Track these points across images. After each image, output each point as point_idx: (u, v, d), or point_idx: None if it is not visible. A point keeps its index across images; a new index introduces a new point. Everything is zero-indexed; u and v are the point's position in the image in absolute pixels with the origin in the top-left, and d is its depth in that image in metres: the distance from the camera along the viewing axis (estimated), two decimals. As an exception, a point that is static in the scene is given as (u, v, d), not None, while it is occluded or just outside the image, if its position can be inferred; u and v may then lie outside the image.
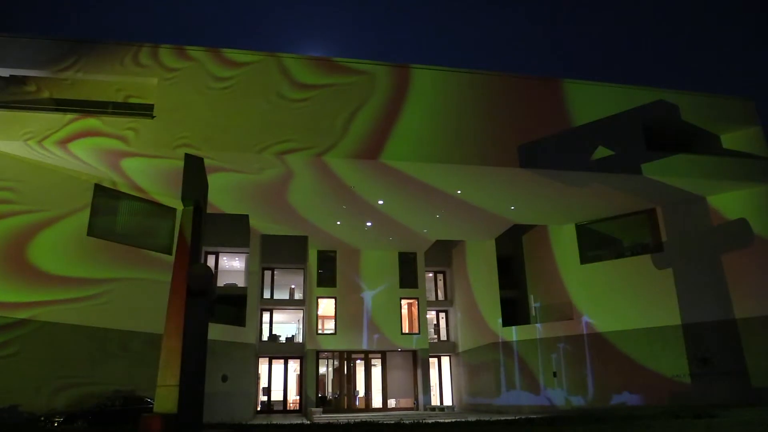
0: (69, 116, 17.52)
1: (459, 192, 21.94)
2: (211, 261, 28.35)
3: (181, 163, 18.16)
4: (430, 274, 33.58)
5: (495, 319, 27.44)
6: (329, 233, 27.61)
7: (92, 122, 17.49)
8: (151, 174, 19.87)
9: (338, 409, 28.32)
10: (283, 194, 22.03)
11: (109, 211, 20.70)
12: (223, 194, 21.42)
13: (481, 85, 20.90)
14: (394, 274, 31.04)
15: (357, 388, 29.78)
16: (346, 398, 29.35)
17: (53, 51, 18.46)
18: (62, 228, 18.71)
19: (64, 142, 17.26)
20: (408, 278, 31.24)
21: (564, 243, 26.63)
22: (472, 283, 30.63)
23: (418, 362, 30.14)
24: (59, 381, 17.47)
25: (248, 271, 27.91)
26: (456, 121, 19.91)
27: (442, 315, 33.38)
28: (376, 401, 29.59)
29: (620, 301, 23.94)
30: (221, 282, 27.87)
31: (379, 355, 30.30)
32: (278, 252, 30.16)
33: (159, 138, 17.77)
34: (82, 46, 18.59)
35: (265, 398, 28.84)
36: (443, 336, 32.93)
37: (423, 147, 19.30)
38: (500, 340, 27.00)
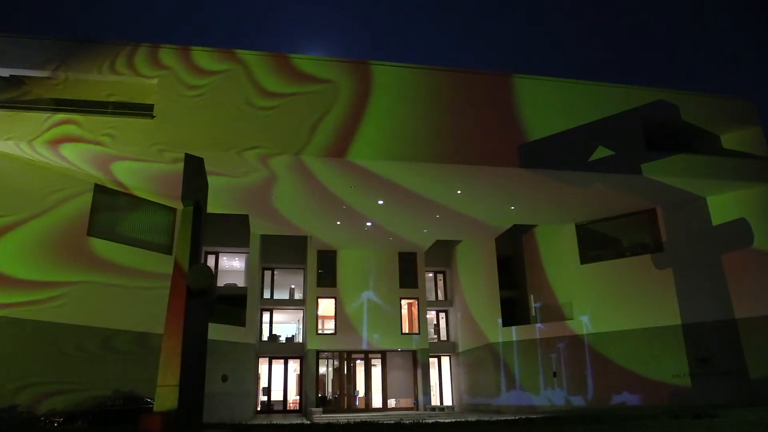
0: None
1: (459, 192, 21.95)
2: (211, 261, 28.36)
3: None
4: (430, 274, 33.57)
5: (495, 319, 27.44)
6: (329, 233, 27.61)
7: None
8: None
9: (338, 409, 28.31)
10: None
11: (108, 210, 20.68)
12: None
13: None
14: (394, 274, 31.04)
15: (357, 388, 29.78)
16: (346, 398, 29.34)
17: (53, 51, 18.44)
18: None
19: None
20: (408, 278, 31.23)
21: (564, 243, 26.63)
22: (472, 283, 30.63)
23: (417, 362, 30.14)
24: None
25: (248, 270, 27.94)
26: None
27: (442, 315, 33.38)
28: (376, 401, 29.59)
29: (620, 301, 23.95)
30: (221, 282, 27.89)
31: (379, 355, 30.30)
32: (278, 252, 30.18)
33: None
34: (81, 46, 18.57)
35: (265, 398, 28.84)
36: (443, 336, 32.93)
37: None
38: (500, 340, 26.99)
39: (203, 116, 18.27)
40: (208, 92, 18.53)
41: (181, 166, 18.28)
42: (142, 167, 19.11)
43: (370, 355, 30.24)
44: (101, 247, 19.92)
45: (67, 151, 17.69)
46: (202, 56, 18.92)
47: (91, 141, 17.30)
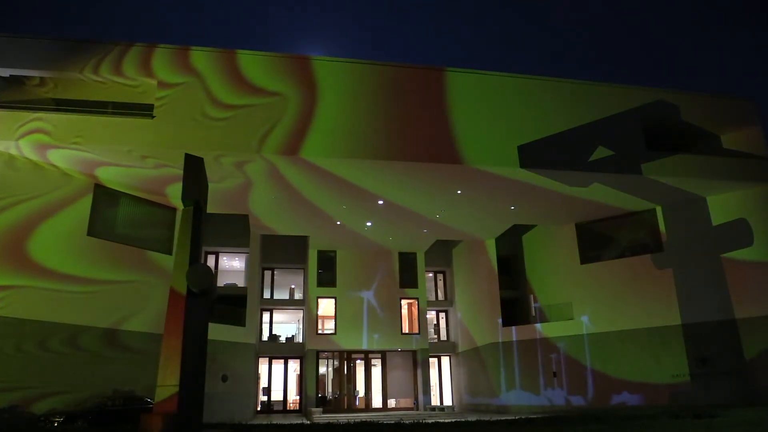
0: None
1: (459, 192, 21.95)
2: (211, 261, 28.36)
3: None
4: (430, 274, 33.56)
5: (495, 319, 27.44)
6: (329, 233, 27.61)
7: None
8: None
9: (338, 409, 28.30)
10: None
11: (107, 210, 20.67)
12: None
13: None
14: (394, 274, 31.04)
15: (357, 388, 29.77)
16: (346, 398, 29.34)
17: (53, 51, 18.42)
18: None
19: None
20: (408, 278, 31.23)
21: (564, 243, 26.63)
22: (472, 283, 30.63)
23: (418, 362, 30.14)
24: None
25: (248, 270, 27.92)
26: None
27: (442, 315, 33.37)
28: (376, 401, 29.58)
29: (620, 301, 23.95)
30: (221, 282, 27.89)
31: (379, 355, 30.29)
32: (278, 252, 30.17)
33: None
34: (81, 47, 18.54)
35: (265, 398, 28.84)
36: (443, 336, 32.92)
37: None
38: (500, 340, 26.99)
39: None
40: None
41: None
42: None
43: (370, 355, 30.24)
44: (100, 246, 19.90)
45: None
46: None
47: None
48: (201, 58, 18.90)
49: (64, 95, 19.10)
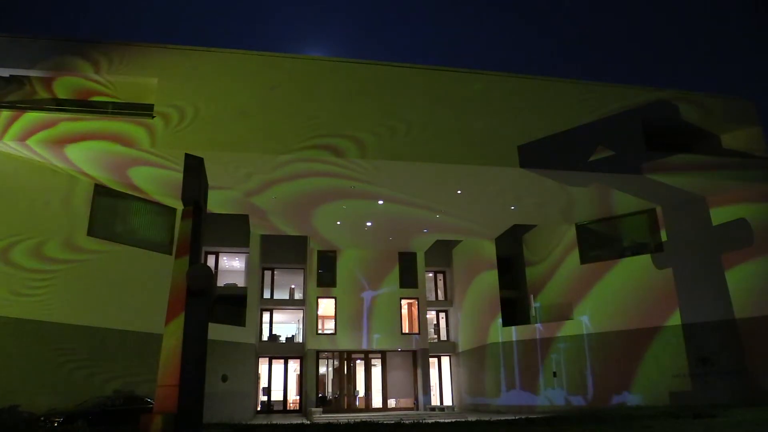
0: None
1: (459, 192, 21.95)
2: (211, 261, 28.35)
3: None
4: (430, 274, 33.55)
5: (495, 319, 27.43)
6: (329, 233, 27.60)
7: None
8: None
9: (338, 409, 28.30)
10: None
11: (107, 210, 20.66)
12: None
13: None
14: (394, 274, 31.03)
15: (357, 388, 29.77)
16: (346, 398, 29.34)
17: (52, 51, 18.40)
18: None
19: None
20: (408, 278, 31.22)
21: (564, 243, 26.62)
22: (472, 283, 30.62)
23: (418, 362, 30.13)
24: None
25: (248, 270, 27.91)
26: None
27: (442, 315, 33.37)
28: (376, 401, 29.58)
29: (620, 301, 23.94)
30: (221, 282, 27.88)
31: (379, 355, 30.29)
32: (278, 252, 30.17)
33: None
34: (81, 47, 18.55)
35: (265, 398, 28.83)
36: (443, 336, 32.91)
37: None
38: (500, 340, 26.98)
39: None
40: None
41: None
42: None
43: (370, 355, 30.23)
44: (100, 247, 19.87)
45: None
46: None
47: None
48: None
49: (63, 95, 19.08)
